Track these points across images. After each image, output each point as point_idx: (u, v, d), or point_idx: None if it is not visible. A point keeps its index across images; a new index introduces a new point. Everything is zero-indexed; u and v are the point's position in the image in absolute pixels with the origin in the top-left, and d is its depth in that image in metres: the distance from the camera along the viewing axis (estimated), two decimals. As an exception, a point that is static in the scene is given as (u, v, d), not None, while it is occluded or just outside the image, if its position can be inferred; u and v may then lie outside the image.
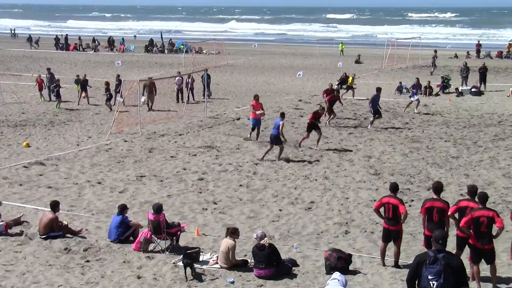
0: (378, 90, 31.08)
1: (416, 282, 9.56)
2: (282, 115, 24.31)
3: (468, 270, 12.43)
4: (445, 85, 42.47)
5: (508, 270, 13.74)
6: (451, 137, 28.14)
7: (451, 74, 47.92)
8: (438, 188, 13.64)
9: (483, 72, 43.48)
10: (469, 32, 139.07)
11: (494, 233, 12.78)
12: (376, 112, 30.30)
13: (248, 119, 30.55)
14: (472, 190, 13.48)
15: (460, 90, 41.51)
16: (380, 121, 31.28)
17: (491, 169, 22.80)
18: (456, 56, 68.13)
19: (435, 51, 58.36)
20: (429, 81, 41.99)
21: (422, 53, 64.14)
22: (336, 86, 39.77)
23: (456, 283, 9.37)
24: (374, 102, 30.21)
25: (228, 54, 68.12)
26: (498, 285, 13.11)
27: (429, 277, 9.29)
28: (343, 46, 75.95)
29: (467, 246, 13.18)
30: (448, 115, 33.63)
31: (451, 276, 9.29)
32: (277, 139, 23.87)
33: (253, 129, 27.25)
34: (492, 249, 12.89)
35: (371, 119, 30.59)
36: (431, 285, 9.26)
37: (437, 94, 41.17)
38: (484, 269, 13.22)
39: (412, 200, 19.06)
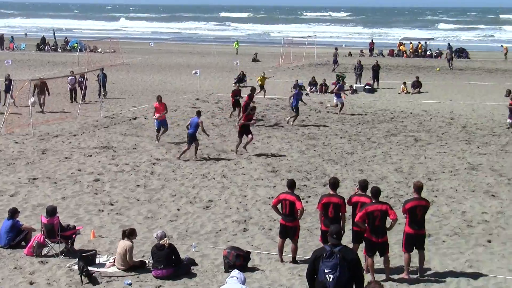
0: (298, 87, 32.09)
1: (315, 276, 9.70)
2: (199, 113, 24.19)
3: (364, 263, 12.73)
4: (339, 80, 43.34)
5: (400, 261, 14.15)
6: (346, 134, 28.78)
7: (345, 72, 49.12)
8: (334, 184, 13.87)
9: (376, 70, 44.73)
10: (362, 31, 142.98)
11: (387, 225, 13.19)
12: (297, 110, 30.75)
13: (146, 118, 30.21)
14: (363, 185, 13.86)
15: (354, 88, 42.52)
16: (278, 119, 31.65)
17: (384, 164, 23.47)
18: (350, 54, 69.81)
19: (336, 49, 59.73)
20: (324, 79, 42.78)
21: (317, 52, 65.35)
22: (233, 85, 39.96)
23: (351, 275, 9.55)
24: (296, 98, 30.73)
25: (124, 53, 67.09)
26: (390, 276, 13.51)
27: (326, 270, 9.42)
28: (237, 45, 76.24)
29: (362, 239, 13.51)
30: (343, 111, 34.34)
31: (347, 269, 9.46)
32: (194, 138, 23.76)
33: (158, 130, 26.74)
34: (386, 241, 13.30)
35: (291, 116, 31.01)
36: (328, 278, 9.40)
37: (332, 92, 41.98)
38: (378, 261, 13.57)
39: (309, 196, 19.34)
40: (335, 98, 34.18)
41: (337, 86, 34.37)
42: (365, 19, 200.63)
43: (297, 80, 39.75)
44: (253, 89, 30.87)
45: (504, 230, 16.70)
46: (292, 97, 31.12)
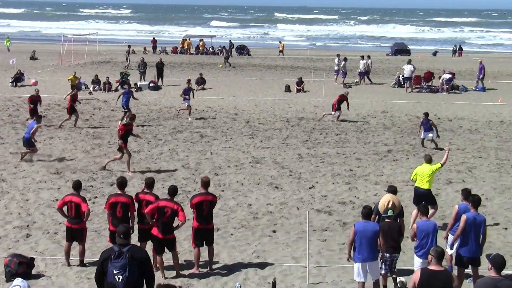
0: (127, 85, 31.98)
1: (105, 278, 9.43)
2: (39, 118, 23.29)
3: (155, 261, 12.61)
4: (124, 81, 42.79)
5: (190, 256, 14.22)
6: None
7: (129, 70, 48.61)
8: (122, 183, 13.64)
9: (160, 67, 44.72)
10: (144, 28, 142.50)
11: (175, 225, 13.23)
12: (127, 108, 29.99)
13: None
14: (149, 182, 13.82)
15: (138, 85, 42.20)
16: (60, 119, 30.52)
17: (171, 161, 23.50)
18: (133, 52, 69.21)
19: (129, 46, 59.02)
20: (108, 77, 42.00)
21: (100, 49, 64.04)
22: (10, 84, 37.95)
23: (141, 274, 9.39)
24: (126, 97, 30.07)
25: None
26: (181, 272, 13.54)
27: (115, 271, 9.20)
28: (9, 42, 71.93)
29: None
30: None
31: (136, 268, 9.30)
32: (29, 143, 22.57)
33: None
34: (173, 238, 13.31)
35: (123, 115, 30.06)
36: (117, 279, 9.19)
37: (116, 90, 41.34)
38: (168, 258, 13.52)
39: (96, 197, 18.84)
40: (184, 102, 32.39)
41: (183, 90, 32.61)
42: (146, 16, 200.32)
43: (79, 78, 38.53)
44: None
45: (287, 220, 17.41)
46: (121, 96, 30.38)
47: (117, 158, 22.25)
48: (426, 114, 26.04)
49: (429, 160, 16.82)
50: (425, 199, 16.15)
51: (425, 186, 16.40)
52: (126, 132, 21.95)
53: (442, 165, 16.86)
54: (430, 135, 25.75)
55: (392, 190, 14.12)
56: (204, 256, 13.94)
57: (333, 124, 30.69)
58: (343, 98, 31.72)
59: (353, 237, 12.11)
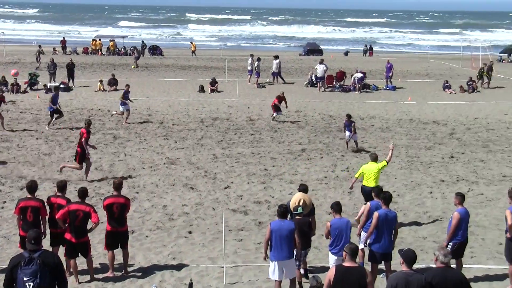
0: (56, 88, 31.17)
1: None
2: None
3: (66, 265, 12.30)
4: (33, 82, 41.68)
5: (104, 260, 13.98)
6: (42, 135, 27.72)
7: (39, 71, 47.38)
8: (31, 187, 13.26)
9: (70, 68, 43.72)
10: (52, 28, 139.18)
11: (89, 227, 12.97)
12: (57, 112, 29.31)
13: None
14: (61, 186, 13.54)
15: (48, 87, 41.16)
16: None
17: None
18: (42, 53, 67.53)
19: (40, 46, 57.47)
20: (15, 79, 40.75)
21: (6, 49, 62.16)
22: None
23: (53, 280, 9.15)
24: (54, 101, 29.27)
25: None
26: (95, 276, 13.33)
27: (25, 278, 8.93)
28: None
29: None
30: (38, 112, 33.03)
31: (48, 274, 9.05)
32: None
33: None
34: (86, 242, 13.06)
35: (51, 119, 29.31)
36: (28, 286, 8.91)
37: (24, 91, 40.21)
38: (82, 262, 13.25)
39: (5, 202, 18.28)
40: (121, 106, 31.22)
41: (123, 93, 31.37)
42: (54, 15, 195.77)
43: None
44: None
45: (203, 220, 17.36)
46: (53, 99, 29.54)
47: (76, 167, 21.19)
48: (349, 116, 25.90)
49: (374, 159, 17.02)
50: (371, 197, 16.44)
51: (371, 184, 16.54)
52: (87, 139, 21.14)
53: (387, 163, 17.13)
54: (348, 134, 25.69)
55: (303, 188, 14.24)
56: (119, 259, 13.73)
57: (247, 124, 30.78)
58: (281, 99, 31.84)
59: (269, 236, 12.16)
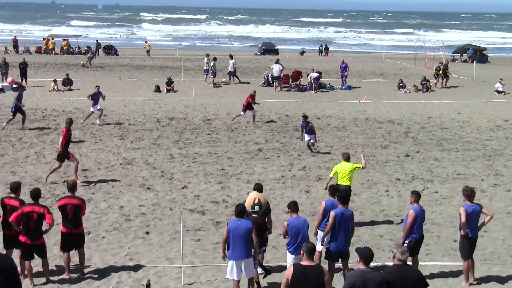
0: (21, 86, 31.11)
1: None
2: None
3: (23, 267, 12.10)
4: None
5: (60, 262, 13.79)
6: (-6, 135, 27.26)
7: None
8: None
9: (23, 68, 43.08)
10: (3, 27, 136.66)
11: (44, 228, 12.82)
12: (19, 111, 28.68)
13: None
14: (14, 187, 13.39)
15: (1, 87, 40.45)
16: None
17: (38, 165, 22.71)
18: (-6, 52, 66.42)
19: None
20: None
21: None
22: None
23: (6, 284, 8.95)
24: (19, 99, 28.88)
25: None
26: (51, 278, 13.16)
27: (-22, 282, 8.72)
28: None
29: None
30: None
31: (1, 277, 8.85)
32: None
33: None
34: (42, 243, 12.88)
35: (12, 117, 28.80)
36: (-19, 290, 8.71)
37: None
38: (37, 264, 13.05)
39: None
40: (92, 106, 30.74)
41: (92, 94, 30.79)
42: (4, 14, 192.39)
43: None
44: None
45: (160, 221, 17.25)
46: (18, 97, 29.04)
47: (56, 168, 20.84)
48: (305, 117, 25.57)
49: (347, 158, 17.04)
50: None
51: (346, 183, 16.61)
52: (69, 138, 20.80)
53: (363, 167, 17.24)
54: (307, 138, 25.27)
55: (258, 188, 14.22)
56: (75, 261, 13.57)
57: (204, 124, 30.69)
58: (253, 98, 31.76)
59: (227, 235, 12.16)
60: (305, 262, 9.89)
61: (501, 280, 13.74)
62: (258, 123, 31.22)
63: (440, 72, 46.51)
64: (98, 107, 30.75)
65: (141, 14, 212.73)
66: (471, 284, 13.43)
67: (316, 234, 13.91)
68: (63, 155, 20.57)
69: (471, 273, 13.51)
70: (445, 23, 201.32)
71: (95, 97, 30.70)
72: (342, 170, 16.76)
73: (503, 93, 42.94)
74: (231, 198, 19.37)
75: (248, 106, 31.41)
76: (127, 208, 18.23)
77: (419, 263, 13.67)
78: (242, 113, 31.58)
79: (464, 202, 13.38)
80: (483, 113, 35.40)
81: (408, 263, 10.12)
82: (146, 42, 76.30)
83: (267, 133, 29.12)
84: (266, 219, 13.60)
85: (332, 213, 12.81)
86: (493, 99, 40.95)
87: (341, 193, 13.27)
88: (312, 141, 25.20)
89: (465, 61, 69.31)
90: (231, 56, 46.73)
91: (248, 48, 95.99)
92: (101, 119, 30.77)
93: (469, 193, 13.37)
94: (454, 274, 13.98)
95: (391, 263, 9.93)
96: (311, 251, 9.92)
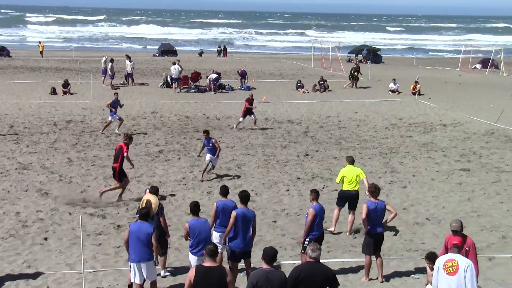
0: None
1: None
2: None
3: None
4: None
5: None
6: None
7: None
8: None
9: None
10: None
11: None
12: None
13: None
14: None
15: None
16: None
17: None
18: None
19: None
20: None
21: None
22: None
23: None
24: None
25: None
26: None
27: None
28: None
29: None
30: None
31: None
32: None
33: None
34: None
35: None
36: None
37: None
38: None
39: None
40: (110, 115, 29.00)
41: (111, 102, 28.91)
42: None
43: None
44: None
45: (59, 226, 16.84)
46: None
47: (117, 187, 19.30)
48: (207, 132, 21.84)
49: (352, 161, 16.93)
50: (354, 201, 16.64)
51: (355, 188, 16.60)
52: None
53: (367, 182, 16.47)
54: (208, 158, 21.68)
55: (153, 191, 14.12)
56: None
57: (102, 126, 30.11)
58: (251, 101, 31.08)
59: (127, 237, 12.02)
60: (207, 264, 9.89)
61: (399, 274, 14.19)
62: (158, 125, 30.95)
63: (355, 73, 47.43)
64: (118, 117, 29.23)
65: (28, 15, 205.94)
66: (382, 282, 13.73)
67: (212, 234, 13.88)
68: (122, 172, 19.10)
69: (379, 272, 13.75)
70: (342, 24, 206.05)
71: (114, 105, 29.06)
72: (349, 174, 16.65)
73: (397, 92, 44.40)
74: (131, 201, 19.12)
75: (247, 112, 30.76)
76: (23, 214, 17.67)
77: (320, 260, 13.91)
78: (241, 119, 30.98)
79: (370, 199, 13.68)
80: (379, 112, 36.47)
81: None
82: (39, 42, 74.10)
83: (167, 134, 28.92)
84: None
85: (233, 213, 12.85)
86: (387, 98, 42.25)
87: (241, 193, 13.31)
88: (212, 164, 21.92)
89: (361, 61, 71.14)
90: (128, 57, 46.14)
91: (146, 50, 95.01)
92: (119, 129, 29.11)
93: (372, 190, 13.67)
94: (354, 270, 14.33)
95: (295, 262, 10.07)
96: (213, 252, 9.93)
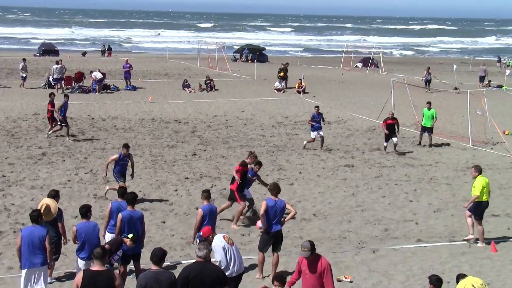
0: None
1: None
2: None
3: None
4: None
5: None
6: None
7: None
8: None
9: None
10: None
11: None
12: None
13: None
14: None
15: None
16: None
17: None
18: None
19: None
20: None
21: None
22: None
23: None
24: None
25: None
26: None
27: None
28: None
29: None
30: None
31: None
32: None
33: None
34: None
35: None
36: None
37: None
38: None
39: None
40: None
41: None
42: None
43: None
44: None
45: None
46: None
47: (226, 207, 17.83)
48: (127, 146, 19.38)
49: (480, 171, 16.52)
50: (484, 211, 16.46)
51: (486, 198, 16.33)
52: (243, 175, 17.57)
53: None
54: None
55: (52, 194, 13.70)
56: None
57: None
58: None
59: (20, 243, 11.60)
60: (95, 267, 9.69)
61: (287, 269, 14.35)
62: (41, 127, 29.93)
63: (281, 73, 46.97)
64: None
65: None
66: (266, 276, 13.81)
67: (104, 236, 13.62)
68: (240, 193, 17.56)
69: (272, 269, 13.70)
70: (235, 23, 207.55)
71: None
72: (485, 184, 16.30)
73: (282, 91, 45.02)
74: (14, 206, 18.41)
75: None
76: None
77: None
78: None
79: (270, 197, 13.72)
80: (265, 111, 36.86)
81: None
82: None
83: (50, 137, 28.01)
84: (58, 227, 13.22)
85: (120, 216, 12.70)
86: (273, 97, 42.78)
87: (128, 195, 13.13)
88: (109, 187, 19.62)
89: (246, 60, 71.68)
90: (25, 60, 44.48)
91: (28, 51, 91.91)
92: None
93: (271, 188, 13.72)
94: (252, 267, 14.36)
95: (185, 262, 10.01)
96: (102, 255, 9.71)
